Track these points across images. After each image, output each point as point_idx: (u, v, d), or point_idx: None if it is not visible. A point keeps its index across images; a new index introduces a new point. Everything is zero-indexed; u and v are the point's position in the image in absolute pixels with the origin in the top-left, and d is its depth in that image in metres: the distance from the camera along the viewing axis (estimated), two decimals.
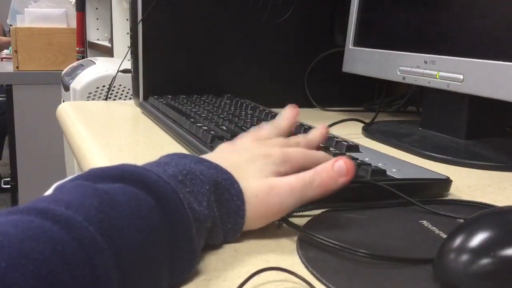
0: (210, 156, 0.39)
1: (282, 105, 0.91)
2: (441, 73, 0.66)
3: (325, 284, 0.31)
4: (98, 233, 0.26)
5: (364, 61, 0.82)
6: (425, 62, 0.68)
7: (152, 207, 0.29)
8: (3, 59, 2.74)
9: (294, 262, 0.34)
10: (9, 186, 2.33)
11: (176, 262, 0.30)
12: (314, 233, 0.35)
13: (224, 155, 0.40)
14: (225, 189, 0.35)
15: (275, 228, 0.39)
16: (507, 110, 0.72)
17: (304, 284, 0.31)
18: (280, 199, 0.37)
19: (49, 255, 0.23)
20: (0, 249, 0.22)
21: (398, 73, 0.73)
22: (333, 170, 0.38)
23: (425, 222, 0.40)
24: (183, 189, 0.32)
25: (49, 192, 0.30)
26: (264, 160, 0.39)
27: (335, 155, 0.51)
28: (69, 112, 0.84)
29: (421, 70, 0.69)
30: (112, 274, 0.25)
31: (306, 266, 0.33)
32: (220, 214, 0.35)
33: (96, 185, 0.29)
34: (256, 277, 0.31)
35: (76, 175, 0.32)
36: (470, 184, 0.53)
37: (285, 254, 0.35)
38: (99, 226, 0.26)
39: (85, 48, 2.19)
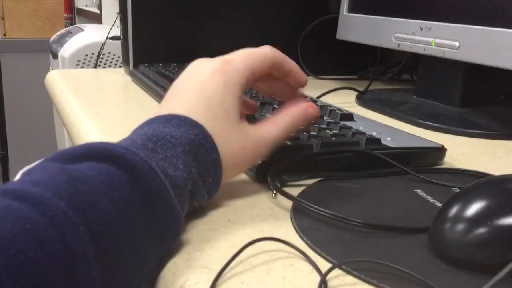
0: (177, 104, 0.36)
1: None
2: (437, 40, 0.65)
3: (319, 254, 0.30)
4: (70, 208, 0.24)
5: (358, 28, 0.80)
6: (421, 29, 0.67)
7: (124, 180, 0.28)
8: None
9: (288, 232, 0.33)
10: (0, 155, 2.31)
11: (158, 233, 0.29)
12: (308, 202, 0.35)
13: (188, 98, 0.37)
14: (199, 145, 0.34)
15: (270, 197, 0.38)
16: (501, 78, 0.71)
17: (298, 253, 0.30)
18: (268, 148, 0.38)
19: (18, 234, 0.22)
20: None
21: (393, 40, 0.72)
22: (306, 114, 0.40)
23: (419, 191, 0.40)
24: (155, 157, 0.31)
25: (16, 178, 0.29)
26: (220, 76, 0.37)
27: (328, 124, 0.50)
28: (58, 81, 0.82)
29: (417, 37, 0.68)
30: (88, 249, 0.24)
31: (300, 236, 0.32)
32: (199, 172, 0.33)
33: (63, 165, 0.28)
34: (250, 247, 0.30)
35: (41, 160, 0.30)
36: (464, 152, 0.53)
37: (279, 224, 0.34)
38: (70, 201, 0.25)
39: (73, 15, 2.15)
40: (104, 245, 0.25)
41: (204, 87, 0.37)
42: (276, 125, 0.39)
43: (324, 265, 0.29)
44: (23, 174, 0.28)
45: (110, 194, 0.27)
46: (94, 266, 0.24)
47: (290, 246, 0.31)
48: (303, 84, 0.43)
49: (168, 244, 0.30)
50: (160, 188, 0.29)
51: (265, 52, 0.41)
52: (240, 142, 0.36)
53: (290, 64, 0.42)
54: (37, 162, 0.29)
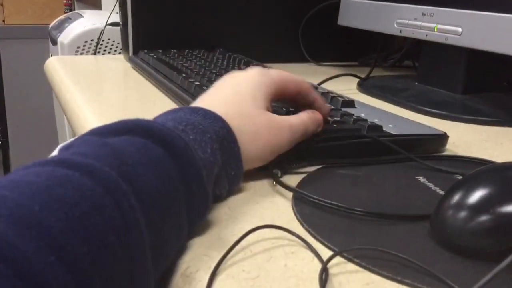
0: (204, 100, 0.38)
1: (275, 60, 0.90)
2: (440, 26, 0.64)
3: (320, 242, 0.30)
4: (120, 178, 0.25)
5: (360, 13, 0.79)
6: (423, 15, 0.66)
7: (162, 155, 0.29)
8: None
9: (290, 220, 0.33)
10: (0, 142, 2.31)
11: (192, 208, 0.30)
12: (309, 190, 0.35)
13: (219, 97, 0.39)
14: (223, 137, 0.34)
15: (271, 185, 0.38)
16: (504, 64, 0.70)
17: (300, 241, 0.30)
18: (291, 135, 0.39)
19: (79, 200, 0.22)
20: (30, 195, 0.21)
21: (395, 26, 0.72)
22: (320, 121, 0.43)
23: (421, 178, 0.40)
24: (186, 137, 0.32)
25: (54, 153, 0.29)
26: (251, 83, 0.39)
27: (330, 111, 0.50)
28: (57, 67, 0.82)
29: (419, 23, 0.67)
30: (140, 218, 0.25)
31: (301, 224, 0.32)
32: (224, 161, 0.34)
33: (103, 139, 0.28)
34: (251, 235, 0.30)
35: (77, 136, 0.31)
36: (467, 139, 0.52)
37: (280, 211, 0.34)
38: (119, 171, 0.25)
39: (72, 1, 2.13)
40: (151, 215, 0.26)
41: (237, 86, 0.39)
42: (297, 118, 0.41)
43: (325, 253, 0.29)
44: (62, 149, 0.29)
45: (151, 168, 0.28)
46: (145, 234, 0.25)
47: (291, 233, 0.31)
48: (325, 116, 0.45)
49: (196, 221, 0.31)
50: (195, 162, 0.30)
51: (298, 78, 0.43)
52: (266, 123, 0.37)
53: (315, 95, 0.44)
54: (72, 139, 0.30)
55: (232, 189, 0.36)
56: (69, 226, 0.21)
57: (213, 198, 0.33)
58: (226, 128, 0.35)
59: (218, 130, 0.34)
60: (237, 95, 0.38)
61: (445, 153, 0.47)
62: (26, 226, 0.20)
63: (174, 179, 0.29)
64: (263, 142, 0.37)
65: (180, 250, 0.30)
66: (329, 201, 0.33)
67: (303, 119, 0.41)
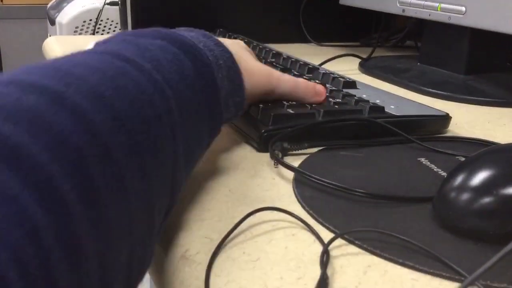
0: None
1: (276, 40, 0.89)
2: (443, 5, 0.63)
3: (322, 224, 0.30)
4: (167, 86, 0.27)
5: None
6: None
7: (190, 69, 0.31)
8: None
9: (290, 202, 0.33)
10: None
11: (212, 123, 0.33)
12: (310, 172, 0.34)
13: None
14: (229, 67, 0.36)
15: (272, 167, 0.38)
16: (508, 44, 0.70)
17: (300, 223, 0.30)
18: (283, 90, 0.43)
19: (138, 94, 0.24)
20: (100, 79, 0.23)
21: (398, 5, 0.70)
22: (315, 90, 0.46)
23: (423, 160, 0.39)
24: (209, 56, 0.34)
25: (90, 46, 0.30)
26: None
27: (331, 91, 0.49)
28: (56, 47, 0.81)
29: (422, 2, 0.66)
30: (179, 125, 0.27)
31: (302, 206, 0.32)
32: (230, 88, 0.36)
33: (140, 41, 0.30)
34: (251, 217, 0.30)
35: (111, 35, 0.33)
36: (469, 120, 0.52)
37: (280, 193, 0.34)
38: (161, 76, 0.27)
39: None
40: (184, 119, 0.28)
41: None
42: (289, 76, 0.45)
43: (327, 235, 0.29)
44: (98, 44, 0.30)
45: (184, 79, 0.30)
46: (180, 133, 0.28)
47: (292, 215, 0.30)
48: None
49: (213, 135, 0.34)
50: (216, 83, 0.33)
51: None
52: (258, 66, 0.42)
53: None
54: (106, 37, 0.32)
55: (238, 115, 0.39)
56: (131, 115, 0.23)
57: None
58: (232, 59, 0.37)
59: (226, 59, 0.36)
60: (234, 44, 0.42)
61: (448, 134, 0.47)
62: (98, 100, 0.21)
63: (199, 93, 0.31)
64: (255, 80, 0.40)
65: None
66: (330, 182, 0.33)
67: (296, 78, 0.45)
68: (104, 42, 0.31)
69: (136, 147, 0.23)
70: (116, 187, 0.21)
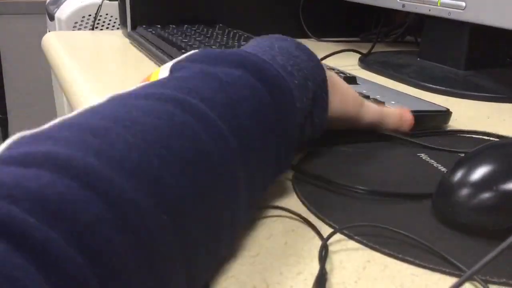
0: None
1: None
2: (443, 0, 0.63)
3: (321, 219, 0.30)
4: (230, 133, 0.25)
5: None
6: None
7: (268, 105, 0.29)
8: None
9: (290, 197, 0.33)
10: None
11: (279, 164, 0.31)
12: (310, 168, 0.34)
13: None
14: (318, 85, 0.34)
15: None
16: (508, 39, 0.69)
17: (300, 219, 0.30)
18: (369, 119, 0.40)
19: (195, 156, 0.22)
20: (149, 143, 0.21)
21: (398, 0, 0.70)
22: (401, 118, 0.42)
23: (423, 155, 0.39)
24: (292, 83, 0.32)
25: (166, 70, 0.29)
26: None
27: None
28: (55, 43, 0.80)
29: None
30: (242, 175, 0.26)
31: (302, 202, 0.32)
32: (312, 110, 0.34)
33: (218, 72, 0.28)
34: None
35: (190, 52, 0.31)
36: (470, 115, 0.52)
37: (281, 188, 0.34)
38: (229, 125, 0.26)
39: None
40: (250, 172, 0.27)
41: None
42: (382, 108, 0.42)
43: (326, 231, 0.29)
44: (175, 70, 0.29)
45: (260, 123, 0.28)
46: (242, 184, 0.26)
47: (291, 212, 0.30)
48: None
49: (283, 170, 0.32)
50: (295, 119, 0.31)
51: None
52: (352, 93, 0.39)
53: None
54: (185, 55, 0.31)
55: (313, 137, 0.36)
56: (183, 185, 0.21)
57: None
58: (323, 77, 0.35)
59: (316, 76, 0.34)
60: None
61: (448, 129, 0.47)
62: (145, 181, 0.19)
63: (274, 134, 0.29)
64: (343, 103, 0.38)
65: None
66: (330, 180, 0.33)
67: (381, 108, 0.42)
68: (180, 69, 0.29)
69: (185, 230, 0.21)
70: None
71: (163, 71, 0.30)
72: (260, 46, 0.34)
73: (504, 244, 0.20)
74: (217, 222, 0.23)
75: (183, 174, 0.21)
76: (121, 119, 0.21)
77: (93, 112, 0.22)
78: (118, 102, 0.24)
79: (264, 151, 0.28)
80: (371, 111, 0.40)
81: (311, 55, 0.35)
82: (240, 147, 0.26)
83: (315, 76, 0.34)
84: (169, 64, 0.30)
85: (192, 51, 0.31)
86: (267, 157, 0.29)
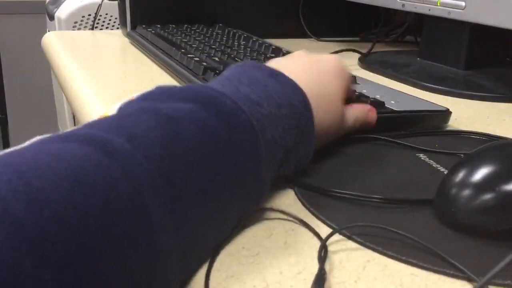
0: (281, 65, 0.36)
1: (276, 35, 0.88)
2: (442, 0, 0.63)
3: (321, 220, 0.30)
4: (158, 174, 0.23)
5: None
6: None
7: (222, 139, 0.27)
8: None
9: (291, 197, 0.33)
10: None
11: (242, 202, 0.28)
12: (309, 172, 0.34)
13: (297, 67, 0.37)
14: (300, 113, 0.32)
15: None
16: (508, 39, 0.69)
17: (301, 218, 0.30)
18: (343, 130, 0.39)
19: (103, 203, 0.20)
20: (52, 189, 0.19)
21: (398, 0, 0.70)
22: (368, 116, 0.41)
23: (422, 156, 0.39)
24: (258, 113, 0.29)
25: (114, 109, 0.28)
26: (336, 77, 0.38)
27: None
28: (54, 43, 0.80)
29: None
30: (168, 221, 0.23)
31: (302, 203, 0.32)
32: (295, 141, 0.32)
33: (163, 108, 0.26)
34: (252, 213, 0.30)
35: (145, 91, 0.29)
36: (469, 115, 0.52)
37: (281, 190, 0.34)
38: (159, 165, 0.23)
39: None
40: (186, 216, 0.24)
41: (318, 67, 0.37)
42: (354, 110, 0.40)
43: (326, 231, 0.28)
44: (120, 109, 0.27)
45: (204, 159, 0.25)
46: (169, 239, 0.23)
47: (288, 215, 0.30)
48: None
49: (246, 211, 0.29)
50: (257, 154, 0.28)
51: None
52: (340, 114, 0.37)
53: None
54: (139, 94, 0.29)
55: (299, 168, 0.34)
56: (79, 241, 0.19)
57: (276, 177, 0.32)
58: (305, 103, 0.33)
59: (296, 104, 0.32)
60: (320, 76, 0.36)
61: (448, 129, 0.47)
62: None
63: (229, 168, 0.26)
64: (333, 131, 0.37)
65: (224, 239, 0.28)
66: (332, 190, 0.32)
67: (353, 108, 0.40)
68: (125, 107, 0.27)
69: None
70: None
71: (112, 110, 0.28)
72: (227, 77, 0.33)
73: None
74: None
75: (88, 223, 0.19)
76: (30, 167, 0.20)
77: (11, 156, 0.21)
78: (35, 147, 0.22)
79: (216, 184, 0.26)
80: (348, 117, 0.39)
81: (287, 81, 0.33)
82: (171, 184, 0.23)
83: (295, 104, 0.32)
84: (120, 102, 0.29)
85: (149, 90, 0.30)
86: (221, 189, 0.26)
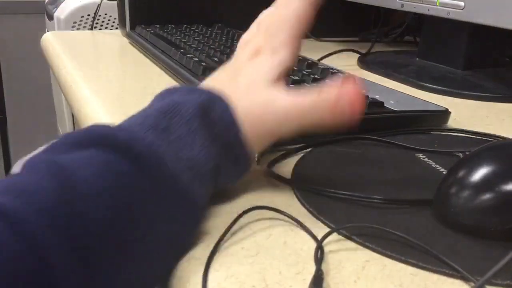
0: (208, 80, 0.35)
1: None
2: (442, 0, 0.63)
3: (320, 220, 0.30)
4: (51, 230, 0.21)
5: None
6: None
7: (126, 173, 0.25)
8: None
9: (290, 197, 0.33)
10: None
11: (171, 227, 0.27)
12: (306, 173, 0.34)
13: (218, 76, 0.36)
14: (217, 120, 0.30)
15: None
16: (506, 39, 0.69)
17: (299, 218, 0.30)
18: (277, 121, 0.31)
19: None
20: None
21: (397, 0, 0.70)
22: (336, 106, 0.30)
23: (421, 156, 0.39)
24: (167, 139, 0.28)
25: (18, 166, 0.27)
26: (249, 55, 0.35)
27: None
28: (54, 43, 0.80)
29: None
30: (73, 271, 0.22)
31: (301, 203, 0.32)
32: (220, 148, 0.30)
33: (61, 159, 0.25)
34: (250, 213, 0.30)
35: (50, 143, 0.28)
36: (468, 115, 0.52)
37: (280, 189, 0.34)
38: (51, 216, 0.22)
39: None
40: (95, 264, 0.23)
41: (236, 66, 0.35)
42: (296, 96, 0.32)
43: (324, 232, 0.28)
44: (22, 167, 0.26)
45: (107, 198, 0.24)
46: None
47: (285, 214, 0.30)
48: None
49: (184, 237, 0.28)
50: (167, 177, 0.27)
51: (297, 16, 0.37)
52: (252, 107, 0.32)
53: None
54: (38, 150, 0.27)
55: (240, 176, 0.32)
56: None
57: (217, 189, 0.31)
58: (223, 107, 0.31)
59: (209, 112, 0.30)
60: (236, 66, 0.35)
61: (447, 129, 0.47)
62: None
63: (140, 203, 0.25)
64: (266, 129, 0.32)
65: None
66: (331, 190, 0.32)
67: (305, 99, 0.31)
68: (26, 165, 0.25)
69: None
70: None
71: (16, 166, 0.28)
72: (144, 109, 0.31)
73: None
74: None
75: None
76: None
77: None
78: None
79: (123, 223, 0.24)
80: (287, 104, 0.31)
81: (202, 91, 0.31)
82: (72, 240, 0.22)
83: (206, 112, 0.30)
84: (23, 159, 0.28)
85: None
86: (131, 226, 0.25)
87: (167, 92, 0.33)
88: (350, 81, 0.30)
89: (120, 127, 0.28)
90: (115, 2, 0.85)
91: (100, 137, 0.27)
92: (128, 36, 0.82)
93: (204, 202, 0.29)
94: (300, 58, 0.59)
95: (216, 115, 0.30)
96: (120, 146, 0.26)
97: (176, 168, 0.27)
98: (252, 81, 0.33)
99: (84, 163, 0.25)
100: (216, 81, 0.35)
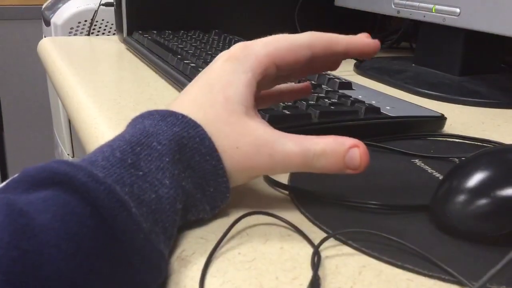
0: (181, 100, 0.32)
1: None
2: (437, 6, 0.63)
3: (317, 225, 0.30)
4: (5, 280, 0.20)
5: None
6: None
7: (84, 216, 0.24)
8: None
9: (286, 203, 0.33)
10: None
11: (129, 275, 0.25)
12: (304, 180, 0.34)
13: (193, 91, 0.33)
14: (194, 150, 0.29)
15: None
16: (502, 45, 0.70)
17: (296, 223, 0.30)
18: (272, 163, 0.30)
19: None
20: None
21: (393, 6, 0.71)
22: (344, 159, 0.30)
23: (417, 161, 0.40)
24: (132, 176, 0.26)
25: None
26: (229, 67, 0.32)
27: (327, 92, 0.49)
28: (50, 48, 0.80)
29: (417, 3, 0.66)
30: None
31: (298, 208, 0.32)
32: (195, 182, 0.29)
33: (18, 201, 0.23)
34: (247, 218, 0.30)
35: (9, 179, 0.26)
36: (464, 121, 0.52)
37: (277, 196, 0.34)
38: (7, 270, 0.20)
39: None
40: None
41: (209, 75, 0.32)
42: (298, 143, 0.30)
43: (322, 237, 0.29)
44: None
45: (64, 246, 0.22)
46: None
47: (282, 220, 0.30)
48: (373, 50, 0.35)
49: (147, 282, 0.26)
50: (126, 224, 0.25)
51: (298, 39, 0.33)
52: (233, 138, 0.30)
53: (344, 42, 0.34)
54: (4, 183, 0.26)
55: (217, 208, 0.30)
56: None
57: (188, 223, 0.30)
58: (199, 137, 0.29)
59: (186, 143, 0.29)
60: (208, 95, 0.31)
61: (443, 135, 0.47)
62: None
63: (97, 250, 0.23)
64: (237, 161, 0.30)
65: None
66: (328, 196, 0.32)
67: (309, 147, 0.30)
68: None
69: None
70: None
71: None
72: (117, 136, 0.29)
73: (509, 257, 0.20)
74: None
75: None
76: None
77: None
78: None
79: (80, 276, 0.23)
80: (286, 163, 0.30)
81: (177, 119, 0.29)
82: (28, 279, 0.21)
83: (182, 144, 0.29)
84: None
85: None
86: (95, 267, 0.23)
87: (140, 117, 0.31)
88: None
89: (81, 166, 0.25)
90: (112, 8, 0.85)
91: (60, 176, 0.25)
92: (125, 41, 0.82)
93: (167, 245, 0.27)
94: None
95: (192, 145, 0.29)
96: (78, 188, 0.24)
97: (136, 214, 0.25)
98: (227, 98, 0.31)
99: (43, 206, 0.23)
100: (192, 101, 0.32)
